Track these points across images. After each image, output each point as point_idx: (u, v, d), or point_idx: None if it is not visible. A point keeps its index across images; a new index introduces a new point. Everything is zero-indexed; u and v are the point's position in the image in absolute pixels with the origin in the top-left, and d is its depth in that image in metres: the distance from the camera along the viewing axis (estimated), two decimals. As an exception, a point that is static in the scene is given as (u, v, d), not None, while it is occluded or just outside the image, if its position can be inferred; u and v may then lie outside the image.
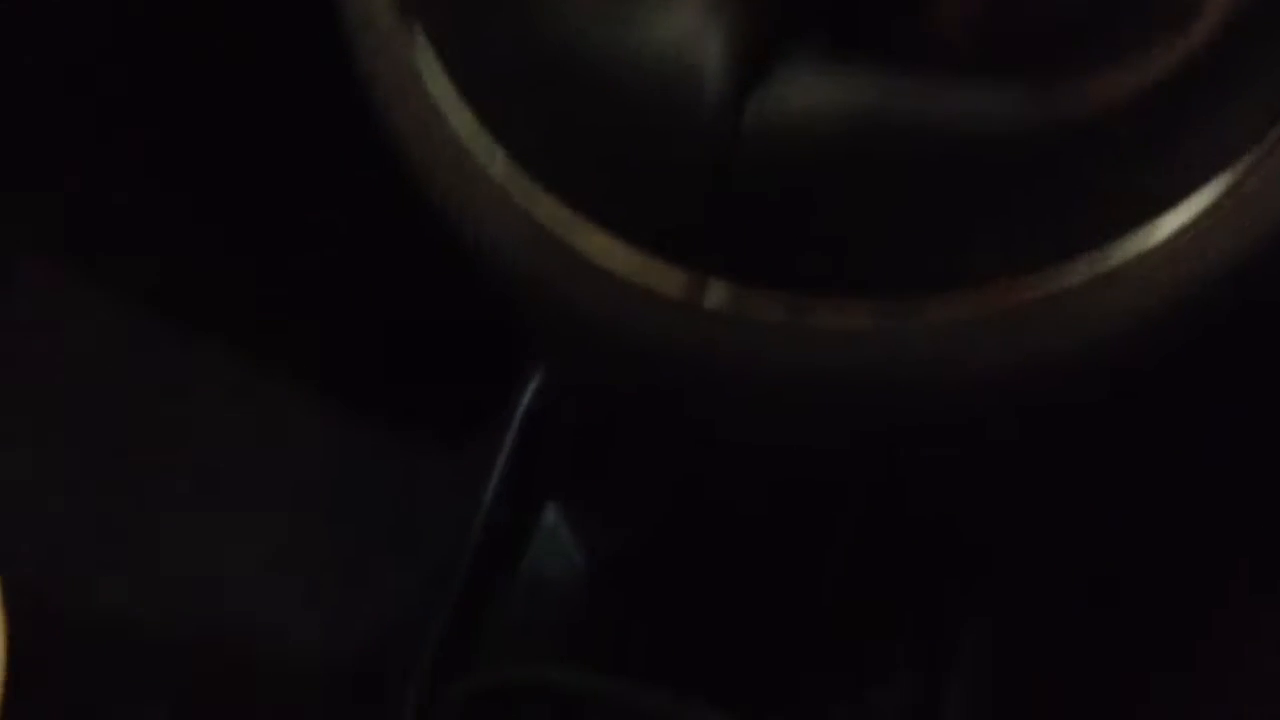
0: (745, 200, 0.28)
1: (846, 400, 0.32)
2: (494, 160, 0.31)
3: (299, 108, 0.55)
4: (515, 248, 0.31)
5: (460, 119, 0.32)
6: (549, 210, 0.30)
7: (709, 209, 0.29)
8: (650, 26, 0.28)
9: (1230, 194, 0.31)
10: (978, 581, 0.57)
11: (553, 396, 0.47)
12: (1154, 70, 0.28)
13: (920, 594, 0.57)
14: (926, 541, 0.54)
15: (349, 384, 0.60)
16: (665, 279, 0.30)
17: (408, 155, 0.33)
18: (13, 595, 0.49)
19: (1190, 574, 0.57)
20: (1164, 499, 0.57)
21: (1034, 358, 0.31)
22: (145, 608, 0.58)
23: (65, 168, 0.60)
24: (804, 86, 0.28)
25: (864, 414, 0.34)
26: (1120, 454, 0.56)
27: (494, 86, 0.31)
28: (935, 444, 0.39)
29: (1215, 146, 0.30)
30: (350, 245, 0.59)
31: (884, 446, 0.38)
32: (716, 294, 0.30)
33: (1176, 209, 0.31)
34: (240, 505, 0.60)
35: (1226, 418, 0.56)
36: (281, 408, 0.60)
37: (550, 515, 0.58)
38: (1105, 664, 0.56)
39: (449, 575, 0.57)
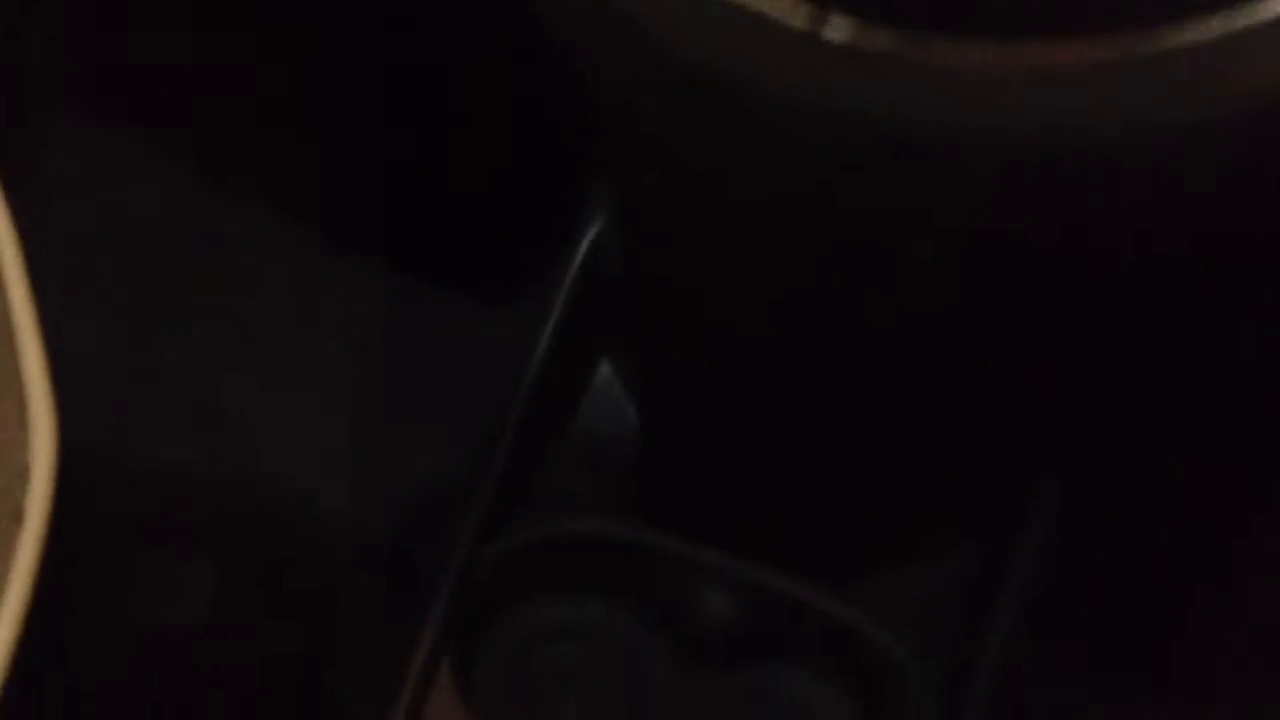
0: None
1: (960, 160, 0.31)
2: None
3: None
4: None
5: None
6: None
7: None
8: None
9: None
10: (1050, 449, 0.56)
11: (642, 195, 0.45)
12: None
13: (989, 459, 0.55)
14: (1002, 400, 0.53)
15: (394, 235, 0.59)
16: (787, 11, 0.29)
17: None
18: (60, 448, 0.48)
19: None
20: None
21: (1163, 121, 0.30)
22: (185, 461, 0.57)
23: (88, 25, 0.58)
24: None
25: (975, 183, 0.32)
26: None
27: None
28: (1049, 252, 0.37)
29: None
30: (406, 92, 0.57)
31: (992, 244, 0.36)
32: (838, 29, 0.29)
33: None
34: (281, 360, 0.58)
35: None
36: (325, 260, 0.59)
37: (604, 371, 0.57)
38: (1174, 537, 0.55)
39: (498, 434, 0.56)
